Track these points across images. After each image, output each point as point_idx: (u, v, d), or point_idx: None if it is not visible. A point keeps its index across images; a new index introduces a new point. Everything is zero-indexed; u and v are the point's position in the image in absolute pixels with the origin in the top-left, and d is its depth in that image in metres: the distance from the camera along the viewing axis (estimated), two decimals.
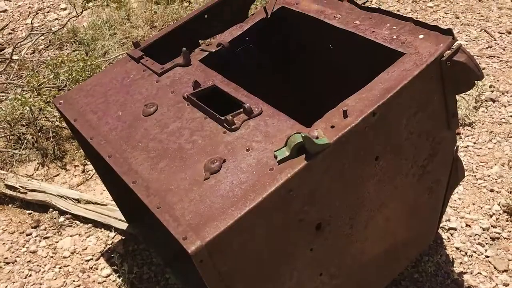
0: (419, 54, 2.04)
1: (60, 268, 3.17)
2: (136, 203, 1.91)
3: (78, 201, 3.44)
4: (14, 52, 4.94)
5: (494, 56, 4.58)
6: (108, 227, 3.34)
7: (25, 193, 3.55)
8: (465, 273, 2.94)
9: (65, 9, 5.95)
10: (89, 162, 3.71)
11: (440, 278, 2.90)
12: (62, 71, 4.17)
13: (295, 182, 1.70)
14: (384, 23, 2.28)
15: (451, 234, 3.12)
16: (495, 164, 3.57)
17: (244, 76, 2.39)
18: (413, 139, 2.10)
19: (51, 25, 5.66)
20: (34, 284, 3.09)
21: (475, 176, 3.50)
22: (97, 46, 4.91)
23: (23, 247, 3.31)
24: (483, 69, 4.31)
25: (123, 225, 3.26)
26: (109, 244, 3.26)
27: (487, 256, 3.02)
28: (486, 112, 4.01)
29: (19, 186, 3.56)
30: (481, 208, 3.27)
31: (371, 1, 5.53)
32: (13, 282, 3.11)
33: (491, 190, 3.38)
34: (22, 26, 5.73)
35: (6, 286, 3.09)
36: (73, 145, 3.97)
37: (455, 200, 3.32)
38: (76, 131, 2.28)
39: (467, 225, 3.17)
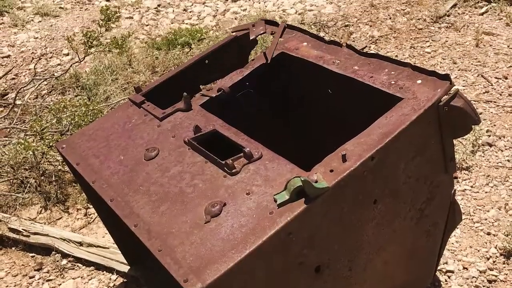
0: (417, 99, 2.07)
1: None
2: (138, 246, 1.92)
3: (81, 244, 3.45)
4: (17, 97, 5.00)
5: (491, 101, 4.64)
6: (110, 270, 3.33)
7: (28, 236, 3.56)
8: None
9: (67, 54, 6.05)
10: (91, 206, 3.72)
11: None
12: (65, 116, 4.21)
13: (294, 225, 1.72)
14: (383, 69, 2.32)
15: (449, 277, 3.11)
16: (492, 208, 3.58)
17: (244, 120, 2.43)
18: (411, 183, 2.12)
19: (53, 71, 5.74)
20: None
21: (472, 219, 3.50)
22: (99, 91, 4.97)
23: None
24: (480, 114, 4.36)
25: (125, 268, 3.25)
26: (111, 287, 3.25)
27: None
28: (483, 156, 4.04)
29: (22, 229, 3.58)
30: (478, 251, 3.27)
31: (370, 47, 5.63)
32: None
33: (488, 233, 3.38)
34: (25, 71, 5.82)
35: None
36: (75, 189, 3.99)
37: (453, 243, 3.32)
38: (79, 175, 2.30)
39: (464, 268, 3.16)
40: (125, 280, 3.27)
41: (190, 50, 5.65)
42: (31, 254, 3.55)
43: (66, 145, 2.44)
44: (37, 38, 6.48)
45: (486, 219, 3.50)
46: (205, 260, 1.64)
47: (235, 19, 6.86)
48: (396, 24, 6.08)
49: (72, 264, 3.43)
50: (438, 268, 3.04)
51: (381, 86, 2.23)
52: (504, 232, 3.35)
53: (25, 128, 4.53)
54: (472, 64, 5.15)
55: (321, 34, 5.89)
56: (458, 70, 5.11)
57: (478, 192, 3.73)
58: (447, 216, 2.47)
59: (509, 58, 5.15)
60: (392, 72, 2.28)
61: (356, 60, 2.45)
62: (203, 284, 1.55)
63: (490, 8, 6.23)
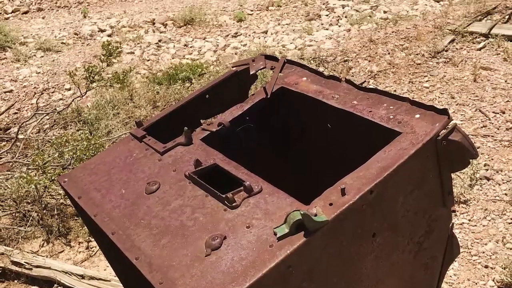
0: (415, 133, 2.09)
1: None
2: (139, 279, 1.92)
3: (82, 277, 3.45)
4: (19, 131, 5.05)
5: (488, 135, 4.68)
6: None
7: (31, 269, 3.58)
8: None
9: (69, 89, 6.12)
10: (93, 239, 3.73)
11: None
12: (67, 150, 4.25)
13: (294, 258, 1.72)
14: (381, 103, 2.34)
15: None
16: (490, 241, 3.59)
17: (244, 154, 2.45)
18: (410, 216, 2.13)
19: (56, 105, 5.80)
20: None
21: (470, 252, 3.51)
22: (101, 126, 5.02)
23: None
24: (478, 148, 4.39)
25: None
26: None
27: None
28: (480, 190, 4.06)
29: (25, 262, 3.60)
30: (476, 284, 3.27)
31: (369, 82, 5.69)
32: None
33: (486, 266, 3.39)
34: (28, 106, 5.88)
35: None
36: (77, 222, 4.01)
37: (451, 276, 3.32)
38: (80, 209, 2.31)
39: None
40: None
41: (191, 84, 5.71)
42: (33, 287, 3.56)
43: (68, 179, 2.45)
44: (39, 73, 6.56)
45: (483, 252, 3.51)
46: None
47: (235, 54, 6.95)
48: (395, 59, 6.16)
49: None
50: None
51: (379, 121, 2.25)
52: (502, 265, 3.35)
53: (27, 162, 4.56)
54: (470, 98, 5.21)
55: (321, 69, 5.96)
56: (456, 104, 5.16)
57: (476, 225, 3.74)
58: (445, 249, 2.47)
59: (507, 93, 5.21)
60: (391, 107, 2.31)
61: (355, 95, 2.47)
62: None
63: (488, 43, 6.32)
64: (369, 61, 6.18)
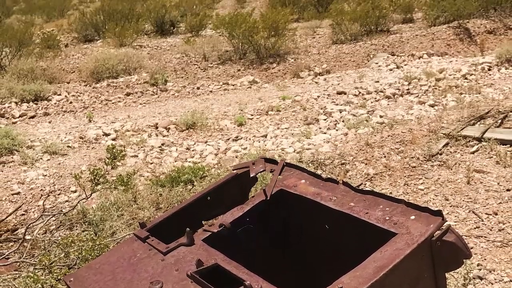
0: (410, 234, 2.17)
1: None
2: None
3: None
4: (27, 232, 5.10)
5: (481, 236, 4.74)
6: None
7: None
8: None
9: (75, 191, 6.23)
10: None
11: None
12: (72, 250, 4.30)
13: None
14: (378, 205, 2.44)
15: None
16: None
17: (245, 254, 2.52)
18: None
19: (62, 207, 5.89)
20: None
21: None
22: (106, 227, 5.08)
23: None
24: (471, 248, 4.44)
25: None
26: None
27: None
28: None
29: None
30: None
31: (365, 184, 5.81)
32: None
33: None
34: (35, 208, 5.96)
35: None
36: None
37: None
38: None
39: None
40: None
41: (193, 187, 5.82)
42: None
43: (74, 279, 2.51)
44: (45, 175, 6.69)
45: None
46: None
47: (236, 157, 7.10)
48: (391, 162, 6.31)
49: None
50: None
51: (376, 222, 2.34)
52: None
53: (34, 262, 4.59)
54: (463, 200, 5.31)
55: (319, 171, 6.09)
56: (450, 206, 5.25)
57: None
58: None
59: (499, 195, 5.31)
60: (387, 208, 2.40)
61: (352, 197, 2.57)
62: None
63: (481, 147, 6.48)
64: (366, 164, 6.33)
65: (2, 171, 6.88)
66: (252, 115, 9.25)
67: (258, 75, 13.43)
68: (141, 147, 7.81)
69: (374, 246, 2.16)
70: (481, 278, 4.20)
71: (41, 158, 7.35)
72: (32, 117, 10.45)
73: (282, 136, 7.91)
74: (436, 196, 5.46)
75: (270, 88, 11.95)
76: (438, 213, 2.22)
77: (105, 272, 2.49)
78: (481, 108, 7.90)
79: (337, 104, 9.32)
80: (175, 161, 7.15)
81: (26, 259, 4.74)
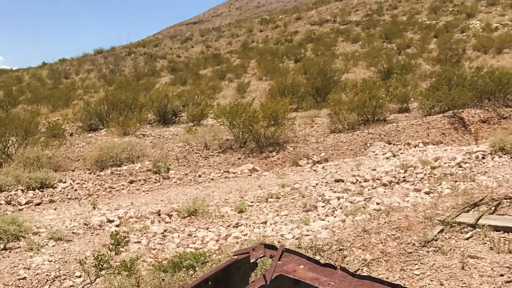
0: None
1: None
2: None
3: None
4: None
5: None
6: None
7: None
8: None
9: (79, 276, 6.35)
10: None
11: None
12: None
13: None
14: None
15: None
16: None
17: None
18: None
19: None
20: None
21: None
22: None
23: None
24: None
25: None
26: None
27: None
28: None
29: None
30: None
31: (362, 269, 5.94)
32: None
33: None
34: None
35: None
36: None
37: None
38: None
39: None
40: None
41: (195, 272, 5.95)
42: None
43: None
44: (51, 261, 6.83)
45: None
46: None
47: (237, 243, 7.25)
48: (387, 248, 6.46)
49: None
50: None
51: None
52: None
53: None
54: (458, 285, 5.43)
55: (317, 257, 6.24)
56: None
57: None
58: None
59: (493, 280, 5.45)
60: None
61: (350, 282, 2.72)
62: None
63: (475, 233, 6.65)
64: (363, 250, 6.49)
65: (8, 257, 7.02)
66: (252, 202, 9.45)
67: (258, 163, 13.77)
68: (144, 233, 7.97)
69: None
70: None
71: (47, 244, 7.50)
72: (38, 204, 10.66)
73: (282, 222, 8.08)
74: (431, 281, 5.59)
75: (270, 176, 12.24)
76: None
77: None
78: (475, 195, 8.12)
79: (335, 192, 9.56)
80: (177, 247, 7.30)
81: None
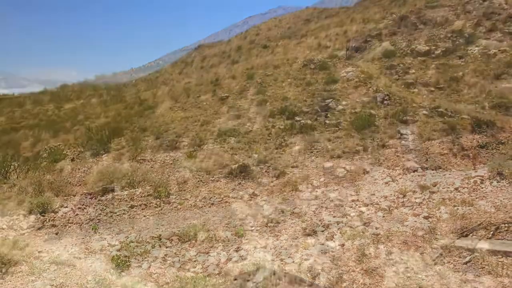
0: None
1: None
2: None
3: None
4: None
5: None
6: None
7: None
8: None
9: None
10: None
11: None
12: None
13: None
14: None
15: None
16: None
17: None
18: None
19: None
20: None
21: None
22: None
23: None
24: None
25: None
26: None
27: None
28: None
29: None
30: None
31: None
32: None
33: None
34: None
35: None
36: None
37: None
38: None
39: None
40: None
41: None
42: None
43: None
44: (52, 285, 6.86)
45: None
46: None
47: (237, 267, 7.28)
48: (387, 272, 6.51)
49: None
50: None
51: None
52: None
53: None
54: None
55: (316, 281, 6.27)
56: None
57: None
58: None
59: None
60: None
61: None
62: None
63: (474, 257, 6.74)
64: (362, 274, 6.54)
65: (10, 281, 7.07)
66: (252, 226, 9.52)
67: (257, 188, 13.83)
68: (145, 257, 8.01)
69: None
70: None
71: (48, 268, 7.55)
72: (40, 228, 10.70)
73: (281, 247, 8.13)
74: None
75: (270, 201, 12.29)
76: None
77: None
78: (473, 220, 8.18)
79: (334, 216, 9.62)
80: (178, 271, 7.34)
81: None
